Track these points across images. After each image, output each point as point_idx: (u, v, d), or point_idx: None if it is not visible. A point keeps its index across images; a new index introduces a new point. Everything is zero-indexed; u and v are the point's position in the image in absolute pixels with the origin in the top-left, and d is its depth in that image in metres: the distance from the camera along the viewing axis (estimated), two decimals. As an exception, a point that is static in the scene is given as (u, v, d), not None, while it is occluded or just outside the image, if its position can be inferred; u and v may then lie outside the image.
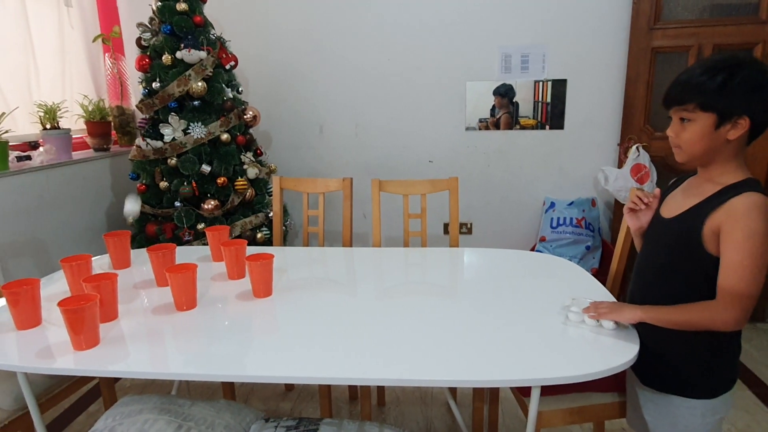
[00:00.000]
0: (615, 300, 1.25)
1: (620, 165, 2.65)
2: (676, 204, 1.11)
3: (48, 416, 1.97)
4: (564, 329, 1.13)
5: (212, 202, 2.31)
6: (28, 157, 2.28)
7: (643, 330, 1.08)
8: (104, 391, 1.76)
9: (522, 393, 1.36)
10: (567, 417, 1.31)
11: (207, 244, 1.70)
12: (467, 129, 2.86)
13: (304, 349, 1.08)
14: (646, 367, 1.13)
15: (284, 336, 1.15)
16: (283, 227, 2.13)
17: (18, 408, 1.38)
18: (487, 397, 1.71)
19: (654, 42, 2.51)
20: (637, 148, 2.52)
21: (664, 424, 1.12)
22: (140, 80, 2.37)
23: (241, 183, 2.39)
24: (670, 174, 2.60)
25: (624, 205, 1.43)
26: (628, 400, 1.28)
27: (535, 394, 1.06)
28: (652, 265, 1.14)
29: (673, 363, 1.09)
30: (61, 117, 2.41)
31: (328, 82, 2.90)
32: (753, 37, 2.40)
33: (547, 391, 1.28)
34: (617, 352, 1.02)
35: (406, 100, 2.87)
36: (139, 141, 2.36)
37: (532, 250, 2.83)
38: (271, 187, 2.58)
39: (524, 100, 2.77)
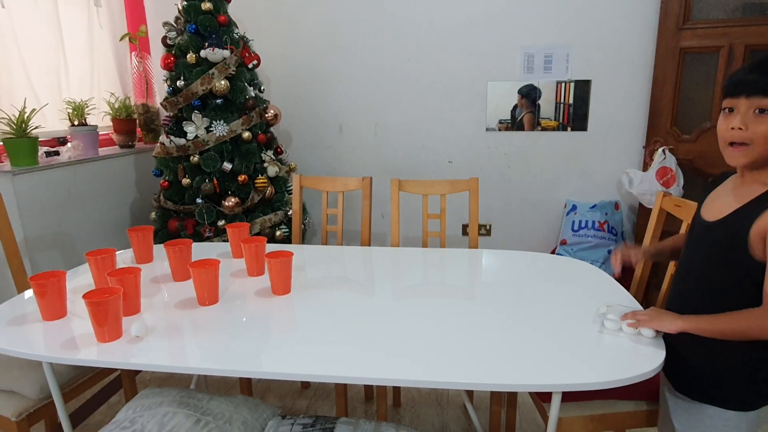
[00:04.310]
0: (640, 306, 1.21)
1: (645, 168, 2.59)
2: (719, 206, 1.04)
3: (71, 406, 2.01)
4: (587, 335, 1.10)
5: (233, 200, 2.33)
6: (57, 153, 2.34)
7: (681, 336, 1.02)
8: (125, 382, 1.79)
9: (541, 398, 1.33)
10: (588, 424, 1.28)
11: (227, 241, 1.72)
12: (488, 130, 2.84)
13: (321, 348, 1.08)
14: (681, 375, 1.08)
15: (302, 334, 1.15)
16: (302, 225, 2.14)
17: (43, 397, 1.41)
18: (504, 401, 1.69)
19: (683, 42, 2.45)
20: (663, 150, 2.46)
21: None
22: (165, 78, 2.41)
23: (262, 181, 2.41)
24: (698, 178, 2.53)
25: (650, 209, 1.40)
26: (660, 408, 1.23)
27: (555, 401, 1.04)
28: (694, 271, 1.08)
29: (711, 371, 1.04)
30: (88, 114, 2.46)
31: (348, 81, 2.91)
32: (787, 38, 2.32)
33: (569, 397, 1.25)
34: (642, 360, 0.99)
35: (426, 100, 2.86)
36: (163, 138, 2.40)
37: (553, 253, 2.79)
38: (290, 186, 2.59)
39: (546, 101, 2.74)
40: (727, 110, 0.98)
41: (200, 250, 1.71)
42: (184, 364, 1.05)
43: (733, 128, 0.95)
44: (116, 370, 1.86)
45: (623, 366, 0.97)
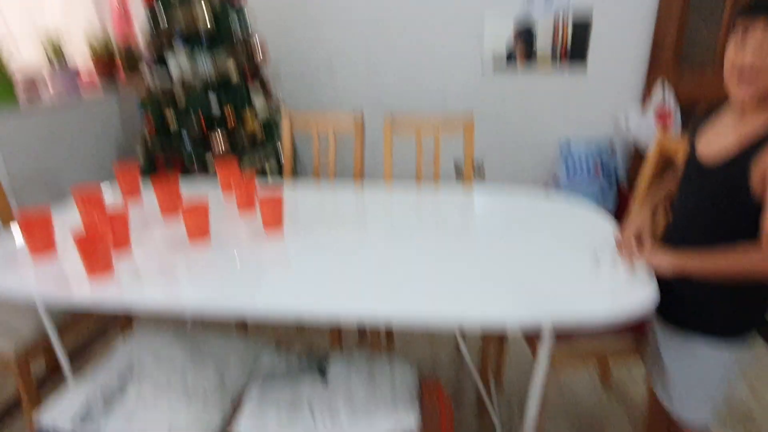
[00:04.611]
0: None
1: (644, 106, 2.54)
2: (718, 144, 0.99)
3: (68, 341, 2.03)
4: (580, 272, 1.10)
5: (221, 139, 2.27)
6: (37, 92, 2.25)
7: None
8: (121, 321, 1.81)
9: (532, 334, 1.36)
10: (576, 357, 1.31)
11: (217, 180, 1.68)
12: (483, 65, 2.74)
13: (315, 286, 1.08)
14: (670, 306, 1.08)
15: (295, 272, 1.15)
16: (293, 165, 2.10)
17: (39, 333, 1.42)
18: (495, 337, 1.73)
19: (690, -28, 2.33)
20: (663, 88, 2.40)
21: (682, 365, 1.09)
22: (146, 12, 2.28)
23: (251, 120, 2.34)
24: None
25: (645, 150, 1.36)
26: (649, 342, 1.24)
27: (547, 337, 1.05)
28: (690, 211, 1.05)
29: (700, 301, 1.03)
30: (67, 52, 2.35)
31: (338, 13, 2.77)
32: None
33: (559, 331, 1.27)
34: (635, 297, 0.98)
35: (420, 34, 2.74)
36: (146, 78, 2.30)
37: (546, 194, 2.79)
38: (280, 124, 2.53)
39: (543, 36, 2.63)
40: (740, 32, 0.90)
41: (189, 189, 1.68)
42: (179, 302, 1.05)
43: (746, 56, 0.89)
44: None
45: (616, 303, 0.97)
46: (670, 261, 1.00)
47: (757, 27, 0.87)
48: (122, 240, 1.23)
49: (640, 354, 1.31)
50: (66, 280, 1.11)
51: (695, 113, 1.14)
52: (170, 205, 1.42)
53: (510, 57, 2.70)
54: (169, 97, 2.27)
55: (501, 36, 2.67)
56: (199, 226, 1.28)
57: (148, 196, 1.64)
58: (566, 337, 1.30)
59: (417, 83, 2.84)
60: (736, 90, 0.93)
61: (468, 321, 0.99)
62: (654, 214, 1.21)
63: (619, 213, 2.66)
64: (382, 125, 1.91)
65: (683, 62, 2.46)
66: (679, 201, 1.11)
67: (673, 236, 1.12)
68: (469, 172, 1.90)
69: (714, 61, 2.37)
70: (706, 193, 1.00)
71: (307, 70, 2.90)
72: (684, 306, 1.06)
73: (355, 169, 1.94)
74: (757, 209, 0.91)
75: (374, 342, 1.71)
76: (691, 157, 1.06)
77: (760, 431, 1.56)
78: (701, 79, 2.41)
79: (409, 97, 2.86)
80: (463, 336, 2.00)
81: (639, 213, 1.20)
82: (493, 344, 1.71)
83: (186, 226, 1.27)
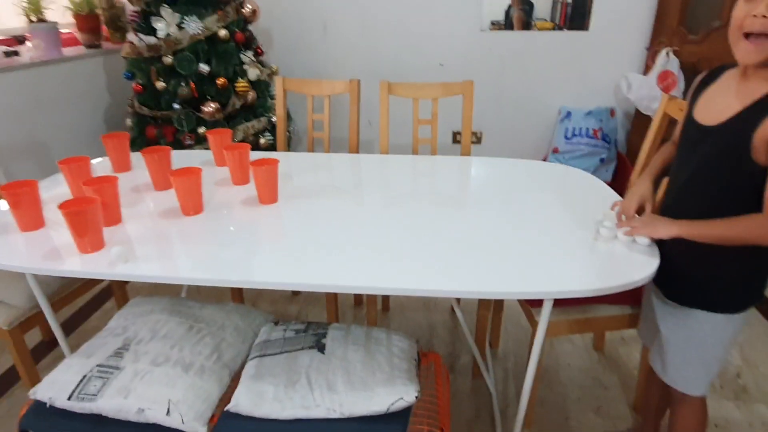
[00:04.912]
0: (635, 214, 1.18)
1: (646, 71, 2.48)
2: (719, 107, 0.96)
3: (64, 312, 2.03)
4: (581, 242, 1.09)
5: (212, 105, 2.20)
6: (16, 53, 2.16)
7: (672, 242, 0.99)
8: (116, 291, 1.80)
9: (530, 304, 1.36)
10: (573, 327, 1.32)
11: (209, 149, 1.64)
12: (482, 30, 2.65)
13: (312, 256, 1.06)
14: (671, 281, 1.07)
15: (291, 242, 1.13)
16: (287, 132, 2.05)
17: (32, 306, 1.41)
18: (491, 306, 1.73)
19: (701, -72, 2.22)
20: (667, 53, 2.33)
21: (679, 337, 1.09)
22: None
23: (242, 85, 2.26)
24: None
25: (647, 116, 1.32)
26: (642, 312, 1.25)
27: (546, 307, 1.04)
28: (690, 177, 1.02)
29: (702, 277, 1.03)
30: (45, 8, 2.23)
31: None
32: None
33: (557, 302, 1.27)
34: (635, 267, 0.98)
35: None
36: (131, 36, 2.21)
37: (544, 161, 2.75)
38: (273, 90, 2.45)
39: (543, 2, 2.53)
40: None
41: (181, 159, 1.64)
42: (174, 273, 1.03)
43: (755, 15, 0.83)
44: (104, 279, 1.86)
45: (616, 273, 0.97)
46: (670, 229, 0.98)
47: None
48: (114, 217, 1.19)
49: (636, 324, 1.31)
50: (56, 252, 1.08)
51: (697, 78, 1.10)
52: (163, 177, 1.38)
53: (507, 24, 2.60)
54: (156, 59, 2.18)
55: (499, 2, 2.56)
56: (192, 197, 1.24)
57: (139, 165, 1.59)
58: (564, 305, 1.30)
59: (413, 49, 2.75)
60: (743, 55, 0.89)
61: (465, 293, 0.98)
62: (655, 182, 1.19)
63: (619, 181, 2.64)
64: (377, 96, 1.84)
65: (689, 23, 2.38)
66: (678, 165, 1.09)
67: (672, 202, 1.09)
68: (467, 141, 1.86)
69: (721, 20, 2.29)
70: (705, 154, 0.97)
71: (299, 33, 2.79)
72: (688, 285, 1.05)
73: (351, 138, 1.89)
74: (754, 176, 0.89)
75: (370, 306, 1.71)
76: (691, 120, 1.03)
77: (754, 402, 1.60)
78: (706, 42, 2.34)
79: (405, 64, 2.78)
80: (459, 304, 2.01)
81: (640, 182, 1.18)
82: (489, 310, 1.71)
83: (178, 197, 1.24)
